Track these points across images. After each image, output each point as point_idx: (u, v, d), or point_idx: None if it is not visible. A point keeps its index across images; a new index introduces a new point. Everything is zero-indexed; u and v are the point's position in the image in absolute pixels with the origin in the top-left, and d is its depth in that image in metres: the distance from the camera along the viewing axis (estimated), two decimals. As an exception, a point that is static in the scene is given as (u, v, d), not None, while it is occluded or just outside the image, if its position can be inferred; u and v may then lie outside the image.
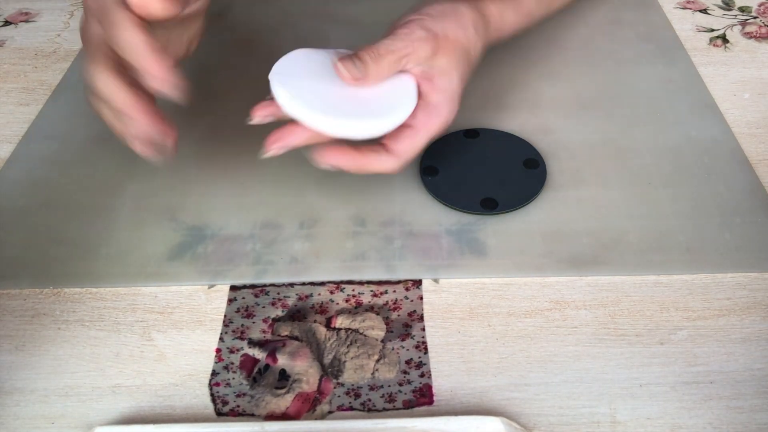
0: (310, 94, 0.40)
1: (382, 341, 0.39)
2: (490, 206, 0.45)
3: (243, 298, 0.41)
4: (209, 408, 0.36)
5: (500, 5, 0.49)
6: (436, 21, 0.44)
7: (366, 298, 0.41)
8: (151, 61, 0.36)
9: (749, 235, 0.43)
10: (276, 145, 0.41)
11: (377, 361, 0.38)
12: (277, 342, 0.39)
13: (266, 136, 0.51)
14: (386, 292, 0.41)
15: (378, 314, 0.40)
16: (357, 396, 0.36)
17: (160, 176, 0.48)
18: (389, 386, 0.37)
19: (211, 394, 0.37)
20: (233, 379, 0.37)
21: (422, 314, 0.40)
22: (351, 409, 0.36)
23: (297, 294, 0.41)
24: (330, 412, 0.36)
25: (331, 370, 0.37)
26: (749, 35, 0.61)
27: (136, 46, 0.36)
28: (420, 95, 0.43)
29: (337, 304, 0.41)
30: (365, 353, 0.38)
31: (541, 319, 0.40)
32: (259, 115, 0.41)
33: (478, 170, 0.47)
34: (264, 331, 0.39)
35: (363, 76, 0.41)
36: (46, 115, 0.54)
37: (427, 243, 0.43)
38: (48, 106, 0.55)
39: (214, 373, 0.38)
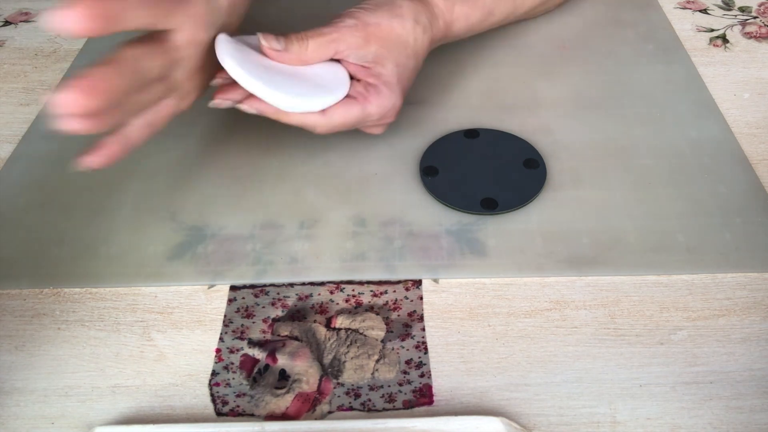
0: (252, 64, 0.42)
1: (382, 341, 0.39)
2: (490, 206, 0.45)
3: (243, 298, 0.41)
4: (209, 408, 0.36)
5: None
6: (369, 12, 0.46)
7: (366, 298, 0.41)
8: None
9: (749, 235, 0.43)
10: (221, 97, 0.43)
11: (377, 361, 0.38)
12: (277, 342, 0.39)
13: (265, 136, 0.51)
14: (386, 292, 0.41)
15: (378, 314, 0.40)
16: (357, 396, 0.36)
17: (160, 176, 0.48)
18: (389, 386, 0.37)
19: (211, 394, 0.37)
20: (233, 379, 0.37)
21: (422, 314, 0.40)
22: (351, 409, 0.36)
23: (297, 294, 0.41)
24: (330, 412, 0.36)
25: (331, 370, 0.37)
26: (749, 35, 0.61)
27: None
28: (360, 80, 0.45)
29: (337, 304, 0.41)
30: (365, 353, 0.38)
31: (541, 319, 0.40)
32: (220, 98, 0.43)
33: (478, 170, 0.47)
34: (264, 331, 0.39)
35: (282, 49, 0.43)
36: (46, 115, 0.54)
37: (427, 243, 0.43)
38: (48, 106, 0.55)
39: (214, 373, 0.38)
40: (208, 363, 0.38)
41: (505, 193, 0.46)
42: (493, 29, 0.59)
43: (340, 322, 0.40)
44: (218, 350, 0.39)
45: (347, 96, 0.44)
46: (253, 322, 0.40)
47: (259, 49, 0.43)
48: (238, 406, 0.36)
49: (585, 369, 0.37)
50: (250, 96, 0.42)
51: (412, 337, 0.39)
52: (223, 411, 0.36)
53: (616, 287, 0.41)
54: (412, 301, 0.41)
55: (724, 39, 0.61)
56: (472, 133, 0.50)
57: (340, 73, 0.45)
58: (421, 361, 0.38)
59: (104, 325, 0.40)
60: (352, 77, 0.45)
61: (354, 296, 0.41)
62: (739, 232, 0.43)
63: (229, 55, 0.41)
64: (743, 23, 0.62)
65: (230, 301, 0.41)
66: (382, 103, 0.44)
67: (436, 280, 0.42)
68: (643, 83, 0.55)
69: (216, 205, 0.46)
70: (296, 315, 0.40)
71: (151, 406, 0.36)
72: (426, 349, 0.38)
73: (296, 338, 0.39)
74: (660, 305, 0.40)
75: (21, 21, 0.66)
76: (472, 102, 0.54)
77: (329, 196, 0.47)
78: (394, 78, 0.45)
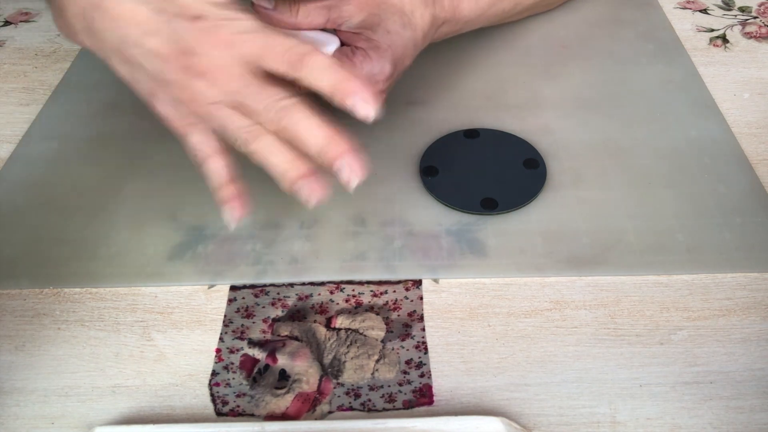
0: None
1: (382, 341, 0.39)
2: (490, 206, 0.45)
3: (243, 298, 0.41)
4: (209, 408, 0.36)
5: None
6: None
7: (366, 298, 0.41)
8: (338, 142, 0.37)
9: (749, 235, 0.43)
10: None
11: (377, 361, 0.38)
12: (277, 342, 0.39)
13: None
14: (386, 292, 0.41)
15: (378, 314, 0.40)
16: (357, 396, 0.36)
17: (160, 176, 0.48)
18: (389, 386, 0.37)
19: (211, 394, 0.37)
20: (233, 379, 0.37)
21: (422, 314, 0.40)
22: (351, 409, 0.36)
23: (297, 294, 0.41)
24: (330, 412, 0.36)
25: (331, 370, 0.37)
26: (749, 35, 0.61)
27: (318, 132, 0.37)
28: (350, 46, 0.45)
29: (337, 304, 0.41)
30: (365, 353, 0.38)
31: (541, 319, 0.40)
32: None
33: (478, 170, 0.47)
34: (264, 331, 0.39)
35: (271, 8, 0.43)
36: (46, 115, 0.54)
37: (427, 243, 0.43)
38: (48, 106, 0.55)
39: (214, 373, 0.38)
40: (208, 363, 0.38)
41: (505, 193, 0.46)
42: (495, 27, 0.59)
43: (340, 322, 0.40)
44: (218, 350, 0.39)
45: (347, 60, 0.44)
46: (253, 322, 0.40)
47: None
48: (238, 406, 0.36)
49: (585, 369, 0.37)
50: None
51: (412, 337, 0.39)
52: (223, 411, 0.36)
53: (616, 287, 0.41)
54: (412, 301, 0.41)
55: (724, 39, 0.61)
56: (472, 133, 0.50)
57: (330, 38, 0.45)
58: (421, 361, 0.38)
59: (104, 325, 0.40)
60: (344, 44, 0.45)
61: (354, 296, 0.41)
62: (739, 232, 0.43)
63: None
64: (743, 23, 0.62)
65: (230, 301, 0.41)
66: (366, 67, 0.44)
67: (436, 280, 0.42)
68: (643, 83, 0.55)
69: (216, 205, 0.46)
70: (296, 315, 0.40)
71: (151, 406, 0.36)
72: (426, 349, 0.38)
73: (296, 338, 0.39)
74: (660, 305, 0.40)
75: (21, 21, 0.66)
76: (473, 102, 0.54)
77: (329, 196, 0.47)
78: (384, 44, 0.45)
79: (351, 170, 0.36)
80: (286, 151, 0.37)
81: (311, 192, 0.37)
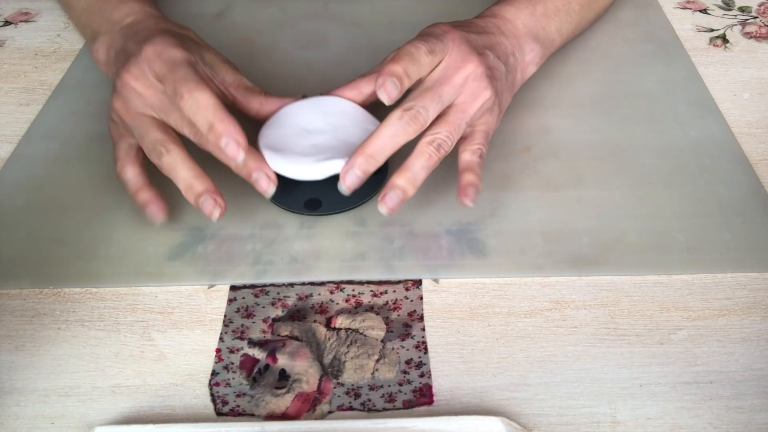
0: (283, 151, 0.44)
1: (382, 341, 0.39)
2: (313, 207, 0.45)
3: (243, 298, 0.41)
4: (209, 408, 0.36)
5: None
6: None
7: (366, 298, 0.41)
8: (225, 123, 0.40)
9: (749, 235, 0.43)
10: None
11: (377, 361, 0.38)
12: (277, 342, 0.39)
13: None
14: (386, 292, 0.41)
15: (378, 314, 0.40)
16: (357, 396, 0.36)
17: (160, 176, 0.48)
18: (389, 386, 0.37)
19: (211, 394, 0.37)
20: (233, 379, 0.37)
21: (422, 314, 0.40)
22: (351, 409, 0.36)
23: (297, 294, 0.41)
24: (330, 412, 0.36)
25: (331, 370, 0.37)
26: (749, 35, 0.61)
27: (208, 107, 0.40)
28: None
29: (337, 304, 0.41)
30: (365, 353, 0.38)
31: (541, 319, 0.40)
32: None
33: None
34: (264, 331, 0.39)
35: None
36: (46, 115, 0.54)
37: (427, 243, 0.43)
38: (48, 106, 0.55)
39: (214, 373, 0.38)
40: (208, 363, 0.38)
41: (332, 196, 0.44)
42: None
43: (340, 322, 0.40)
44: (218, 350, 0.39)
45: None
46: (253, 322, 0.40)
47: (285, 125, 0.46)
48: (238, 406, 0.36)
49: (585, 369, 0.37)
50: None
51: (412, 337, 0.39)
52: (223, 411, 0.36)
53: (616, 287, 0.41)
54: (412, 301, 0.41)
55: (724, 39, 0.61)
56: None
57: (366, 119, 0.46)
58: (421, 361, 0.38)
59: (104, 325, 0.40)
60: None
61: (354, 296, 0.41)
62: (739, 232, 0.43)
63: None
64: (743, 23, 0.62)
65: (230, 301, 0.41)
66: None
67: (436, 280, 0.42)
68: (643, 83, 0.55)
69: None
70: (296, 315, 0.40)
71: (151, 406, 0.36)
72: (426, 349, 0.38)
73: (296, 338, 0.39)
74: (660, 305, 0.40)
75: (21, 21, 0.66)
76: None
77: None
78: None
79: (268, 180, 0.42)
80: (192, 167, 0.42)
81: (213, 206, 0.41)
